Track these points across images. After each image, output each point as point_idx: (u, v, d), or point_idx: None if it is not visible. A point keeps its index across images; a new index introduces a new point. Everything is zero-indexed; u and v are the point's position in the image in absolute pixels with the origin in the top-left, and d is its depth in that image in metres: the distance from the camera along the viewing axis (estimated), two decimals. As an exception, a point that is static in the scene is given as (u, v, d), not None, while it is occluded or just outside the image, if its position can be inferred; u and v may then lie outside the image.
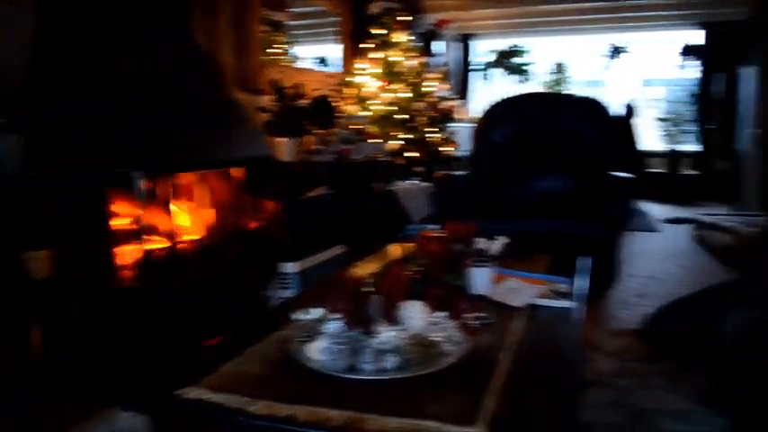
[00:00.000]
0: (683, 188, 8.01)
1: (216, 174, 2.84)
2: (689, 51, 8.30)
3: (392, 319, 1.38)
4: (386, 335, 1.33)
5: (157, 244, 2.39)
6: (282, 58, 4.84)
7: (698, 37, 8.15)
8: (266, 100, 3.98)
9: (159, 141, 2.33)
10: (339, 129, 4.57)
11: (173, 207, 2.55)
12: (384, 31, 5.46)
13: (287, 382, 1.29)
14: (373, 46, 5.46)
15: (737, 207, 6.73)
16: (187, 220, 2.67)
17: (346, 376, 1.27)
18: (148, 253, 2.30)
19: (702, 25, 7.99)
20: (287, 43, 4.93)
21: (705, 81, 8.17)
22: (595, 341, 2.81)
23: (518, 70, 9.22)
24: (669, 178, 8.26)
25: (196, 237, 2.66)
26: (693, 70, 8.31)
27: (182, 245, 2.54)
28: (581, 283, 1.94)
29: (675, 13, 7.53)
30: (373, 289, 1.47)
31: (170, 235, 2.45)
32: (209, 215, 2.78)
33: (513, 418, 1.21)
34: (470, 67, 9.16)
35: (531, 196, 3.72)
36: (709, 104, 8.12)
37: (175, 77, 2.65)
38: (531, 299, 1.83)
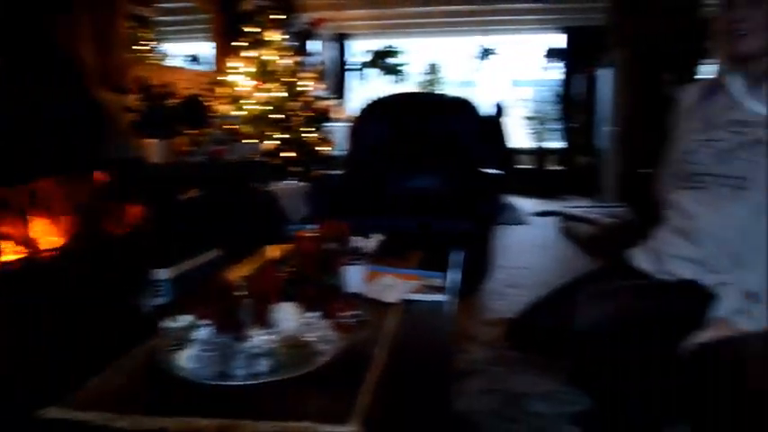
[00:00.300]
0: (550, 183, 8.45)
1: (77, 178, 2.68)
2: (552, 54, 8.77)
3: (264, 321, 1.36)
4: (258, 338, 1.30)
5: (12, 254, 2.23)
6: (150, 55, 4.63)
7: (560, 40, 8.63)
8: (133, 99, 3.80)
9: (9, 146, 2.17)
10: (213, 129, 4.45)
11: (29, 215, 2.39)
12: (257, 30, 5.36)
13: (156, 393, 1.24)
14: (246, 44, 5.33)
15: (598, 199, 7.20)
16: (46, 227, 2.50)
17: (217, 383, 1.23)
18: (2, 264, 2.14)
19: (564, 29, 8.47)
20: (155, 40, 4.72)
21: (567, 82, 8.66)
22: (470, 331, 2.91)
23: (393, 70, 9.38)
24: (536, 174, 8.68)
25: (57, 245, 2.50)
26: (557, 72, 8.78)
27: (41, 254, 2.38)
28: (454, 277, 2.00)
29: (540, 17, 7.95)
30: (245, 292, 1.44)
31: (27, 244, 2.29)
32: (71, 222, 2.62)
33: (388, 413, 1.23)
34: (346, 67, 9.21)
35: (405, 194, 3.78)
36: (572, 104, 8.62)
37: (30, 78, 2.47)
38: (405, 294, 1.86)
